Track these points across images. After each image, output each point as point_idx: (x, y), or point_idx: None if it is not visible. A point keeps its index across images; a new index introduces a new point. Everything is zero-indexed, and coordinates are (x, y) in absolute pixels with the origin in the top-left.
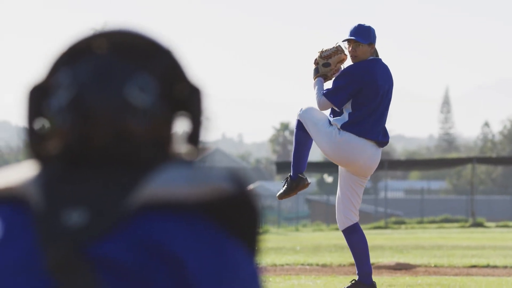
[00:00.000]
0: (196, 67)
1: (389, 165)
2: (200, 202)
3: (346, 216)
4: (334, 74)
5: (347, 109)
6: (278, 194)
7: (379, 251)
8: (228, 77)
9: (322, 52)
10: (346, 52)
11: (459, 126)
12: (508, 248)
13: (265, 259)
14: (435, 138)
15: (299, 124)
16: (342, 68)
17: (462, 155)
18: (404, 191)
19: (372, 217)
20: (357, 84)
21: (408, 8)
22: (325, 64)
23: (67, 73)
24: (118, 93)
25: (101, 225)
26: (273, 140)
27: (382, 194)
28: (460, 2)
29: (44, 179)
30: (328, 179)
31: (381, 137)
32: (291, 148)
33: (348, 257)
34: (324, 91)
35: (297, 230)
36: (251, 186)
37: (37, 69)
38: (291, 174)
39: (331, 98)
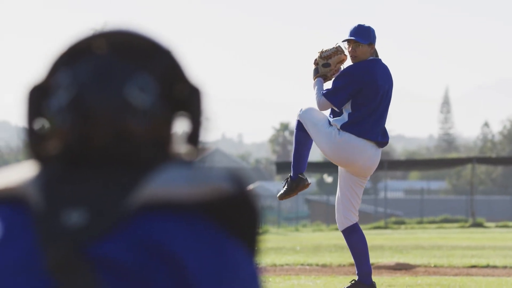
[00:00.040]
0: (196, 67)
1: (389, 165)
2: (200, 202)
3: (345, 217)
4: (334, 74)
5: (347, 109)
6: (278, 194)
7: (379, 251)
8: (228, 77)
9: (322, 52)
10: (346, 52)
11: (459, 126)
12: (508, 248)
13: (265, 259)
14: (435, 138)
15: (299, 125)
16: (342, 69)
17: (462, 155)
18: (404, 191)
19: (372, 217)
20: (357, 84)
21: (408, 8)
22: (325, 64)
23: (67, 73)
24: (118, 93)
25: (101, 225)
26: (273, 140)
27: (382, 194)
28: (460, 2)
29: (44, 179)
30: (328, 179)
31: (380, 138)
32: (291, 148)
33: (348, 257)
34: (323, 91)
35: (297, 230)
36: (251, 186)
37: (37, 69)
38: (291, 174)
39: (331, 98)
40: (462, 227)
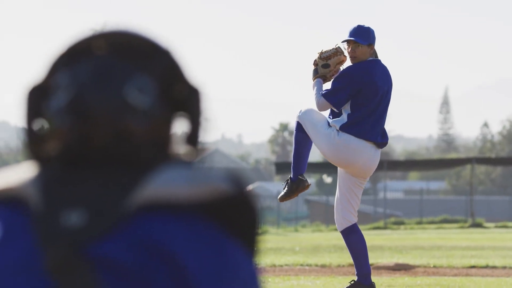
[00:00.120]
0: (196, 67)
1: (389, 165)
2: (199, 203)
3: (344, 217)
4: (333, 75)
5: (346, 110)
6: (279, 196)
7: (378, 252)
8: (228, 77)
9: (321, 53)
10: (346, 53)
11: (459, 127)
12: (507, 248)
13: (264, 260)
14: (434, 138)
15: (299, 126)
16: (341, 69)
17: (461, 155)
18: (403, 191)
19: (371, 218)
20: (357, 84)
21: (408, 8)
22: (324, 65)
23: (66, 73)
24: (117, 93)
25: (101, 225)
26: (272, 141)
27: (381, 195)
28: (460, 2)
29: (43, 180)
30: (327, 179)
31: (380, 138)
32: (291, 148)
33: (347, 258)
34: (323, 92)
35: (296, 230)
36: (250, 187)
37: (37, 69)
38: (291, 176)
39: (330, 98)
40: (462, 227)
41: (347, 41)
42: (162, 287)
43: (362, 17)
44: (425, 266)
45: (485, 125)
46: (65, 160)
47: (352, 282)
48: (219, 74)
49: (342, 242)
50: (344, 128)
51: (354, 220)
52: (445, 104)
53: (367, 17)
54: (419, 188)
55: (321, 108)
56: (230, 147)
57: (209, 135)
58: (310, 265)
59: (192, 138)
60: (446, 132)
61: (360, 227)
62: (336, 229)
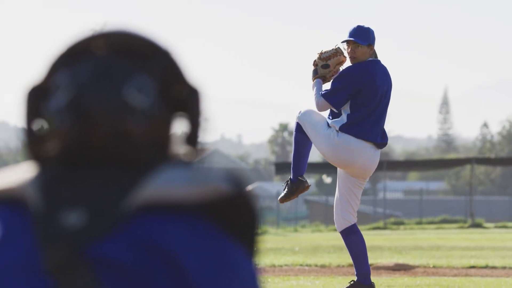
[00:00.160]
0: (196, 67)
1: (388, 165)
2: (199, 203)
3: (344, 218)
4: (332, 76)
5: (346, 110)
6: (279, 197)
7: (378, 252)
8: (228, 77)
9: (321, 53)
10: (346, 54)
11: (458, 127)
12: (507, 248)
13: (264, 260)
14: (434, 138)
15: (298, 127)
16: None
17: (461, 155)
18: (403, 191)
19: (371, 218)
20: (356, 85)
21: (408, 8)
22: (324, 65)
23: (66, 73)
24: (117, 93)
25: (101, 225)
26: (272, 141)
27: (381, 195)
28: (460, 2)
29: (43, 180)
30: (327, 179)
31: (379, 139)
32: (290, 148)
33: (346, 258)
34: (322, 92)
35: (296, 230)
36: (249, 187)
37: (37, 69)
38: (291, 177)
39: (330, 99)
40: (461, 227)
41: (347, 41)
42: (162, 287)
43: (362, 17)
44: (424, 266)
45: (485, 125)
46: (65, 160)
47: (352, 282)
48: (219, 74)
49: (341, 242)
50: (343, 129)
51: (354, 220)
52: (445, 104)
53: (367, 17)
54: (419, 189)
55: (320, 108)
56: (230, 147)
57: (208, 135)
58: (309, 265)
59: (192, 138)
60: (446, 132)
61: (360, 227)
62: (335, 229)
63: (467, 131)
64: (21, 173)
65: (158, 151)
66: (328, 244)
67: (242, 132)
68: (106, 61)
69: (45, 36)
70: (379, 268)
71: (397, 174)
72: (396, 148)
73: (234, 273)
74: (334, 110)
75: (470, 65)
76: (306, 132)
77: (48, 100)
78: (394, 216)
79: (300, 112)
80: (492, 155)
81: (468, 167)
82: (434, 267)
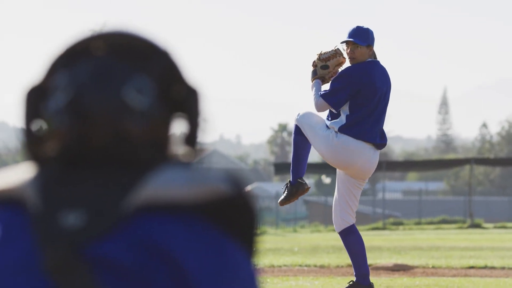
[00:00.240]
0: (195, 67)
1: (387, 166)
2: (198, 203)
3: (342, 218)
4: (332, 76)
5: (345, 111)
6: (279, 200)
7: (377, 252)
8: (227, 77)
9: (320, 54)
10: (345, 55)
11: (457, 127)
12: (506, 249)
13: (263, 260)
14: (433, 139)
15: (297, 129)
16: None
17: (460, 156)
18: (402, 192)
19: (370, 218)
20: (355, 85)
21: (408, 8)
22: (323, 66)
23: (65, 74)
24: (116, 94)
25: (100, 225)
26: (271, 141)
27: (380, 195)
28: (460, 2)
29: (42, 180)
30: (326, 180)
31: (379, 139)
32: (289, 149)
33: (346, 258)
34: (321, 93)
35: (295, 231)
36: (249, 187)
37: (36, 69)
38: (291, 179)
39: (329, 99)
40: (460, 228)
41: (346, 42)
42: (162, 287)
43: (362, 17)
44: (423, 267)
45: (484, 125)
46: (64, 161)
47: (351, 283)
48: (218, 74)
49: (340, 242)
50: (342, 130)
51: (352, 221)
52: (444, 104)
53: (367, 17)
54: (418, 189)
55: (319, 108)
56: (229, 147)
57: (207, 136)
58: (308, 266)
59: (191, 138)
60: (445, 133)
61: (359, 227)
62: (334, 230)
63: (466, 131)
64: (20, 174)
65: (157, 152)
66: (327, 244)
67: (241, 132)
68: (105, 61)
69: (45, 36)
70: (378, 268)
71: (396, 174)
72: (395, 149)
73: (234, 273)
74: (333, 110)
75: (469, 65)
76: (305, 134)
77: (47, 100)
78: (393, 216)
79: (298, 114)
80: (491, 156)
81: (467, 167)
82: (433, 267)
